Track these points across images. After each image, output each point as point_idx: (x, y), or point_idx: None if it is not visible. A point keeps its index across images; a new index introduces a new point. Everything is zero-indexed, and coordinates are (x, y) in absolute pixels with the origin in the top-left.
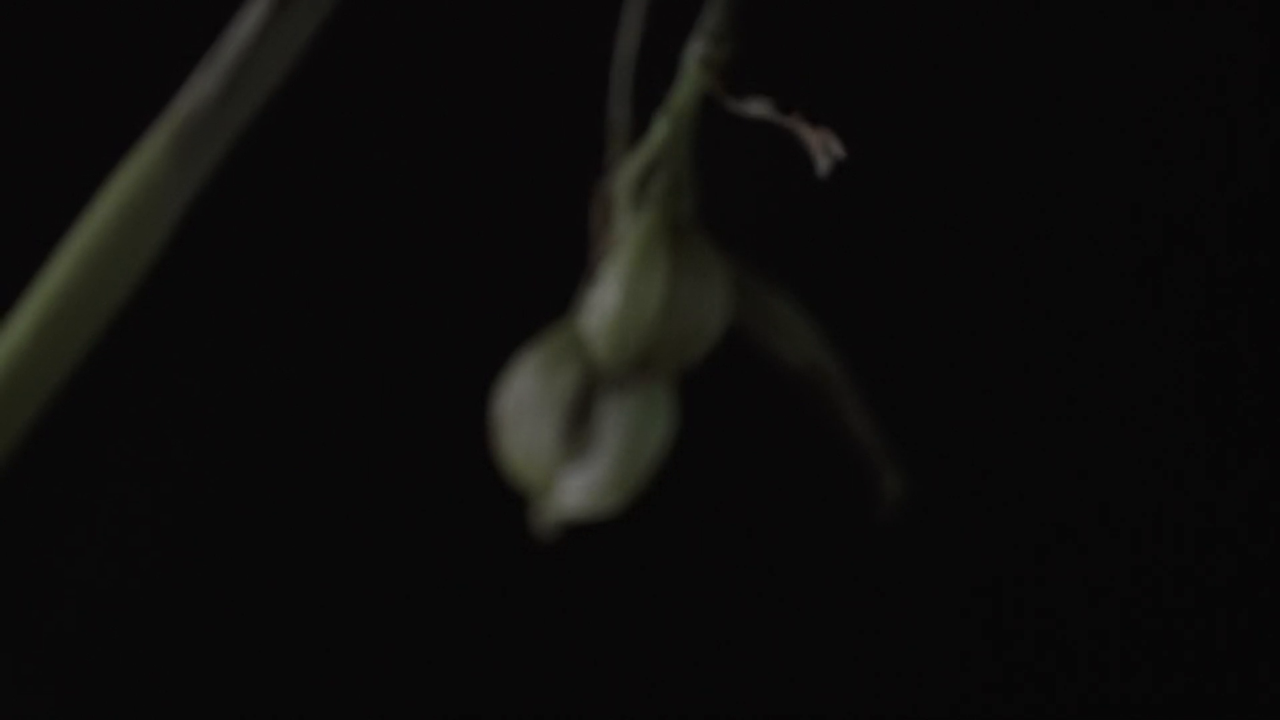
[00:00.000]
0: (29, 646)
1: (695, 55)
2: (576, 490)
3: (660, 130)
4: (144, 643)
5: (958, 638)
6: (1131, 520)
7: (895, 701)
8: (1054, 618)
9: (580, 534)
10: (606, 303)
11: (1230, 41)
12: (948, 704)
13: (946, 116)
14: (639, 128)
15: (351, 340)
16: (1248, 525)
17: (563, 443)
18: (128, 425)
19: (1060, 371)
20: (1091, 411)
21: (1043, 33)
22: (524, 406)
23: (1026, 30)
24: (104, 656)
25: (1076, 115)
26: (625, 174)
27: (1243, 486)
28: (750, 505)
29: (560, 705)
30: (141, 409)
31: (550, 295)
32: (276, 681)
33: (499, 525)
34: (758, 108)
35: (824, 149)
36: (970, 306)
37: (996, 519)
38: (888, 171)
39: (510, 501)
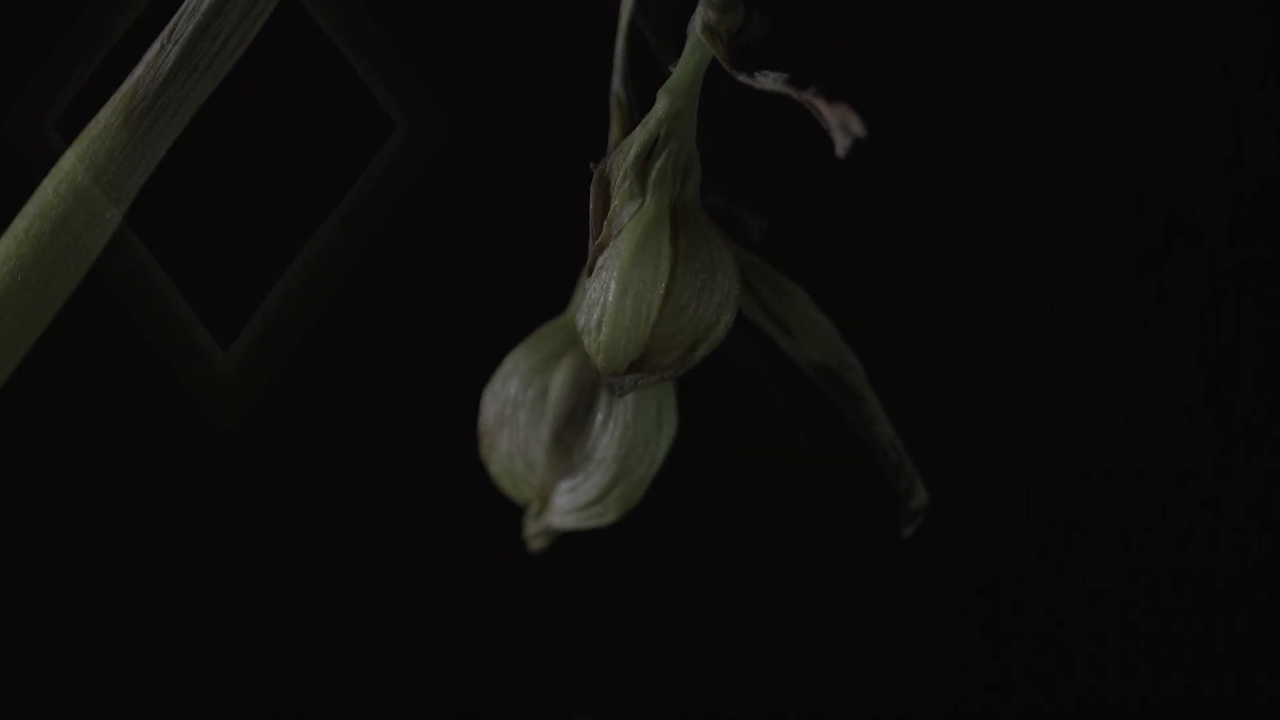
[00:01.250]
0: (11, 642)
1: (700, 24)
2: (570, 505)
3: (661, 106)
4: (126, 638)
5: (958, 638)
6: (1131, 520)
7: (895, 701)
8: (1054, 618)
9: (579, 534)
10: (604, 298)
11: (1233, 31)
12: (948, 704)
13: (948, 107)
14: (641, 104)
15: (339, 330)
16: (1249, 525)
17: (555, 454)
18: (106, 419)
19: (1061, 369)
20: (1092, 410)
21: (1046, 22)
22: (514, 414)
23: (1030, 20)
24: (86, 652)
25: (1079, 105)
26: (624, 155)
27: (1245, 485)
28: (750, 505)
29: (560, 705)
30: (120, 402)
31: (544, 288)
32: (259, 677)
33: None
34: (770, 81)
35: (842, 126)
36: (970, 300)
37: (996, 519)
38: (888, 164)
39: (507, 500)
